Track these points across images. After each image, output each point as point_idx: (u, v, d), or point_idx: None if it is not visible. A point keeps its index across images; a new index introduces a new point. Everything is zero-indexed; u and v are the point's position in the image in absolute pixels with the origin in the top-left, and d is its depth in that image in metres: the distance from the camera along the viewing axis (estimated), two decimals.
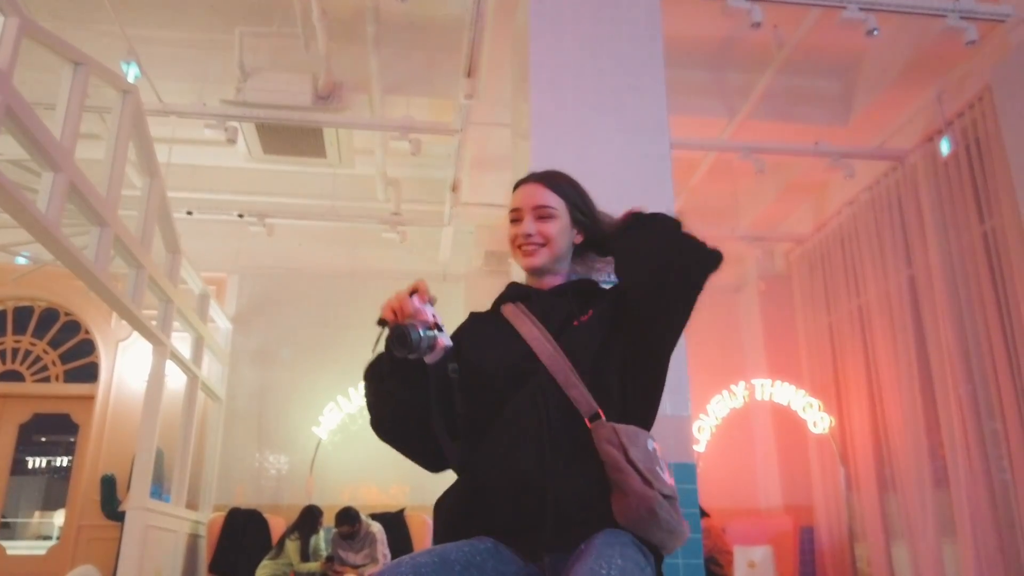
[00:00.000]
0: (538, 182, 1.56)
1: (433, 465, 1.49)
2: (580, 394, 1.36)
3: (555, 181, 1.57)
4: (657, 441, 1.40)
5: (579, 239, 1.57)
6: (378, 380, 1.48)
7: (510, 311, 1.52)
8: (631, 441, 1.32)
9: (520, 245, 1.53)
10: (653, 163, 3.33)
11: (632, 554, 1.23)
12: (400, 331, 1.30)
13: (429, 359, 1.39)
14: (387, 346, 1.36)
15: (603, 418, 1.34)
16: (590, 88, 3.41)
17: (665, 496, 1.31)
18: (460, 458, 1.41)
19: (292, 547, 5.54)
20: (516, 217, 1.55)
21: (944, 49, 4.73)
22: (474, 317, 1.61)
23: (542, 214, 1.52)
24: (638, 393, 1.43)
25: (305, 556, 5.52)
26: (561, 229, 1.53)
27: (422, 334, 1.31)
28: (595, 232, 1.56)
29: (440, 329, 1.38)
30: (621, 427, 1.33)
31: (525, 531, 1.32)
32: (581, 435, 1.34)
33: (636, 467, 1.29)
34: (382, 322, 1.36)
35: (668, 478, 1.35)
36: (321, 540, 5.65)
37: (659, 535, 1.31)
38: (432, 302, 1.40)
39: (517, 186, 1.60)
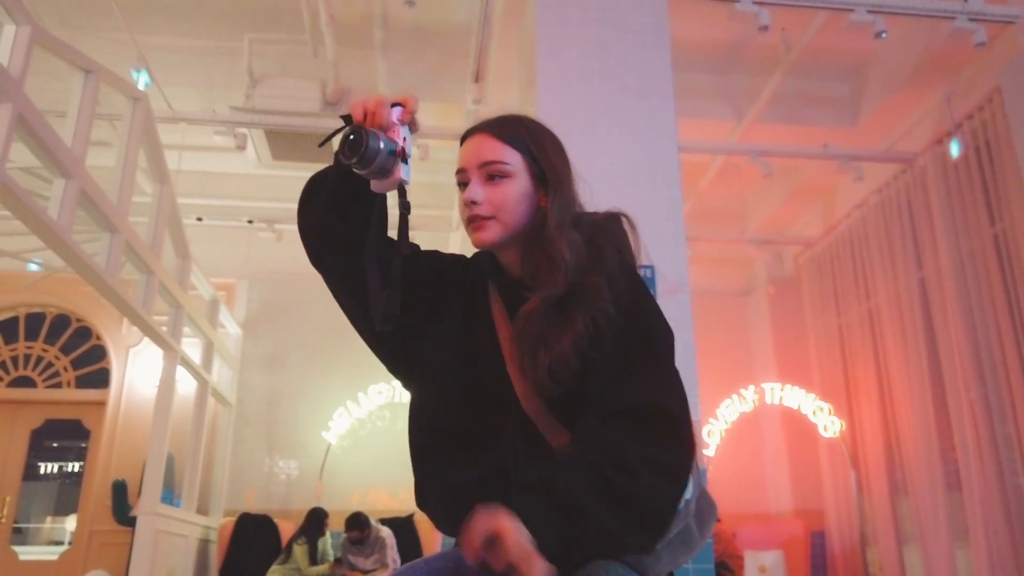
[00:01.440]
0: (486, 132, 1.20)
1: (355, 315, 1.23)
2: (556, 431, 1.15)
3: (509, 129, 1.21)
4: None
5: (545, 202, 1.20)
6: (313, 190, 1.22)
7: (497, 311, 1.23)
8: None
9: (467, 218, 1.19)
10: (661, 167, 3.34)
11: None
12: (358, 133, 1.05)
13: (377, 186, 1.15)
14: (337, 151, 1.10)
15: None
16: (597, 92, 3.41)
17: (669, 540, 1.11)
18: (388, 329, 1.16)
19: (300, 551, 5.54)
20: (462, 180, 1.21)
21: (953, 51, 4.71)
22: (460, 280, 1.27)
23: (491, 171, 1.18)
24: None
25: (313, 560, 5.53)
26: (518, 193, 1.18)
27: (382, 147, 1.06)
28: (559, 201, 1.18)
29: (405, 160, 1.11)
30: None
31: None
32: None
33: None
34: (347, 118, 1.12)
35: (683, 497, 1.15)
36: (328, 543, 5.66)
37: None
38: (414, 128, 1.16)
39: (463, 140, 1.24)
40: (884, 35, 4.21)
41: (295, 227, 1.28)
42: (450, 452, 1.20)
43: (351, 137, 1.06)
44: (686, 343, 3.11)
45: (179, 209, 5.02)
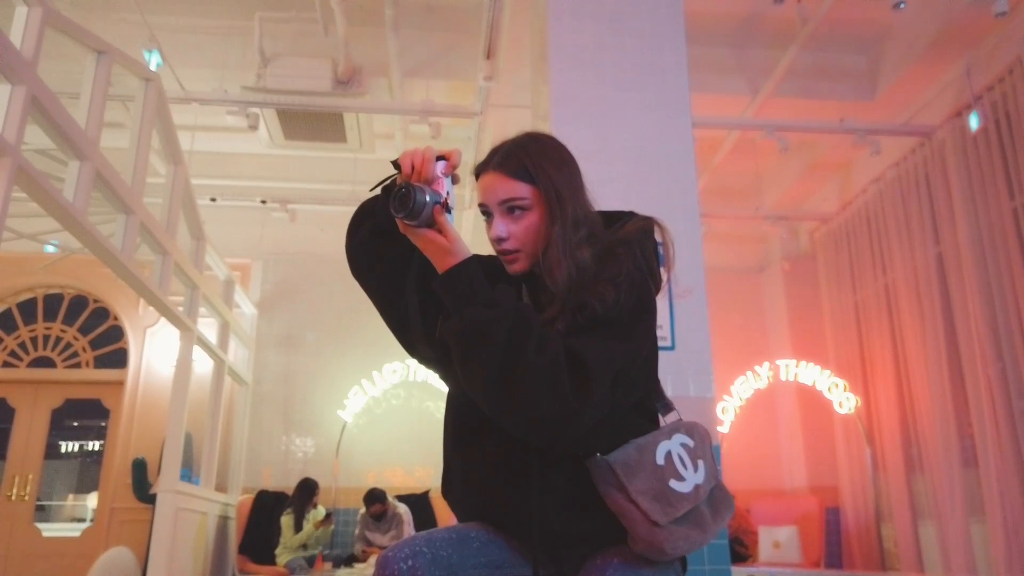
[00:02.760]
0: (497, 170, 1.29)
1: (398, 332, 1.33)
2: None
3: (515, 162, 1.28)
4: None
5: None
6: (361, 218, 1.33)
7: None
8: (631, 473, 1.17)
9: (498, 252, 1.31)
10: (675, 142, 3.30)
11: None
12: (406, 190, 1.16)
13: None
14: (387, 197, 1.23)
15: (597, 454, 1.20)
16: (610, 67, 3.38)
17: (678, 519, 1.17)
18: (427, 349, 1.30)
19: (286, 522, 5.64)
20: (485, 212, 1.31)
21: (973, 21, 4.63)
22: (495, 279, 1.31)
23: (512, 206, 1.27)
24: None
25: (299, 529, 5.62)
26: (537, 223, 1.27)
27: (428, 200, 1.17)
28: (560, 227, 1.25)
29: (449, 211, 1.21)
30: (619, 460, 1.18)
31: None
32: (572, 468, 1.22)
33: (638, 505, 1.15)
34: (397, 165, 1.23)
35: (691, 479, 1.21)
36: (319, 515, 5.73)
37: (677, 556, 1.19)
38: (455, 180, 1.25)
39: (477, 174, 1.34)
40: (902, 6, 4.15)
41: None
42: (477, 439, 1.29)
43: (401, 193, 1.16)
44: (700, 320, 3.10)
45: (193, 190, 5.04)
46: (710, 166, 6.12)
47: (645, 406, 1.31)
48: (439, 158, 1.22)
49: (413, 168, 1.20)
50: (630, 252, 1.24)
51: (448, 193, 1.22)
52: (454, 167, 1.24)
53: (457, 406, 1.35)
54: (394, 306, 1.31)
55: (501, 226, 1.28)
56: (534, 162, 1.28)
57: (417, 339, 1.30)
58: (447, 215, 1.20)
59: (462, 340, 1.16)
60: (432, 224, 1.19)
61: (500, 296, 1.18)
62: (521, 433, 1.15)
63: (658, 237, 1.32)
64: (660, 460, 1.20)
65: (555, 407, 1.10)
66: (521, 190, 1.27)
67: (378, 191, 1.31)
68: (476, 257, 1.23)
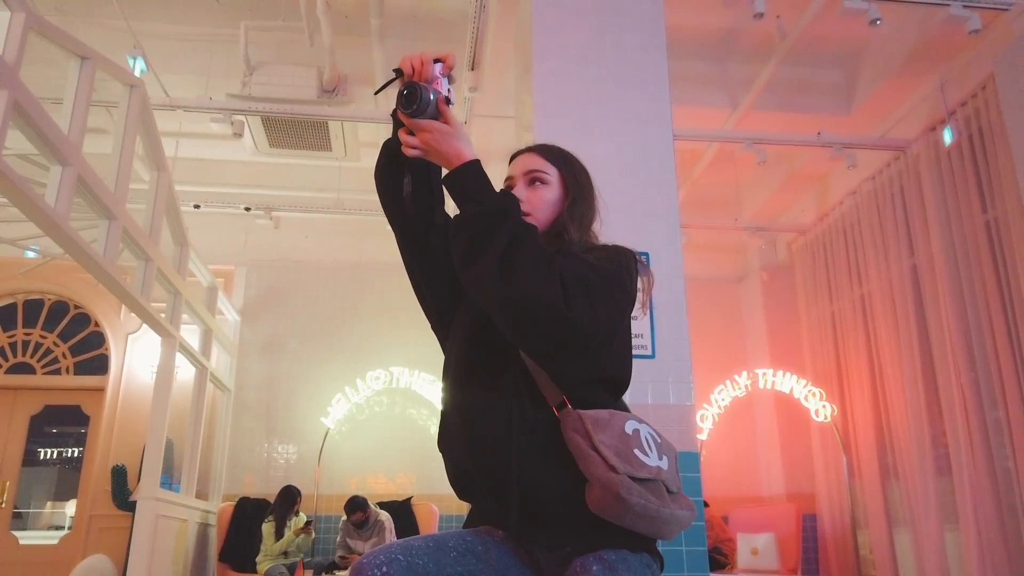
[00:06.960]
0: (533, 151, 1.50)
1: (394, 225, 1.51)
2: (547, 381, 1.28)
3: (551, 151, 1.50)
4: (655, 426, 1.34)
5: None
6: (389, 154, 1.46)
7: None
8: (599, 427, 1.21)
9: None
10: (656, 154, 3.36)
11: None
12: (412, 87, 1.30)
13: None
14: (396, 103, 1.35)
15: (569, 406, 1.25)
16: (593, 80, 3.43)
17: (641, 479, 1.18)
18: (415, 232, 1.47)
19: (267, 529, 5.62)
20: (509, 185, 1.47)
21: (947, 38, 4.73)
22: None
23: (533, 177, 1.45)
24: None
25: (280, 536, 5.60)
26: (551, 198, 1.44)
27: (431, 98, 1.30)
28: (574, 205, 1.44)
29: (449, 103, 1.34)
30: (590, 413, 1.23)
31: (499, 516, 1.30)
32: (554, 427, 1.26)
33: (599, 452, 1.18)
34: (399, 71, 1.34)
35: (655, 461, 1.23)
36: (300, 522, 5.72)
37: (638, 523, 1.18)
38: (452, 80, 1.37)
39: (512, 158, 1.53)
40: (879, 22, 4.23)
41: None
42: (469, 386, 1.36)
43: (406, 92, 1.30)
44: (680, 329, 3.15)
45: (176, 196, 5.03)
46: (690, 177, 6.19)
47: (620, 396, 1.38)
48: (436, 60, 1.33)
49: (414, 69, 1.32)
50: (613, 248, 1.36)
51: (449, 90, 1.34)
52: (451, 67, 1.35)
53: (455, 358, 1.41)
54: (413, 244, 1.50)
55: (521, 189, 1.44)
56: (567, 160, 1.50)
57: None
58: (448, 108, 1.32)
59: (482, 221, 1.25)
60: (437, 117, 1.30)
61: (505, 194, 1.33)
62: (518, 321, 1.18)
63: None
64: (628, 431, 1.24)
65: (548, 289, 1.16)
66: (547, 167, 1.46)
67: (388, 115, 1.42)
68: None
